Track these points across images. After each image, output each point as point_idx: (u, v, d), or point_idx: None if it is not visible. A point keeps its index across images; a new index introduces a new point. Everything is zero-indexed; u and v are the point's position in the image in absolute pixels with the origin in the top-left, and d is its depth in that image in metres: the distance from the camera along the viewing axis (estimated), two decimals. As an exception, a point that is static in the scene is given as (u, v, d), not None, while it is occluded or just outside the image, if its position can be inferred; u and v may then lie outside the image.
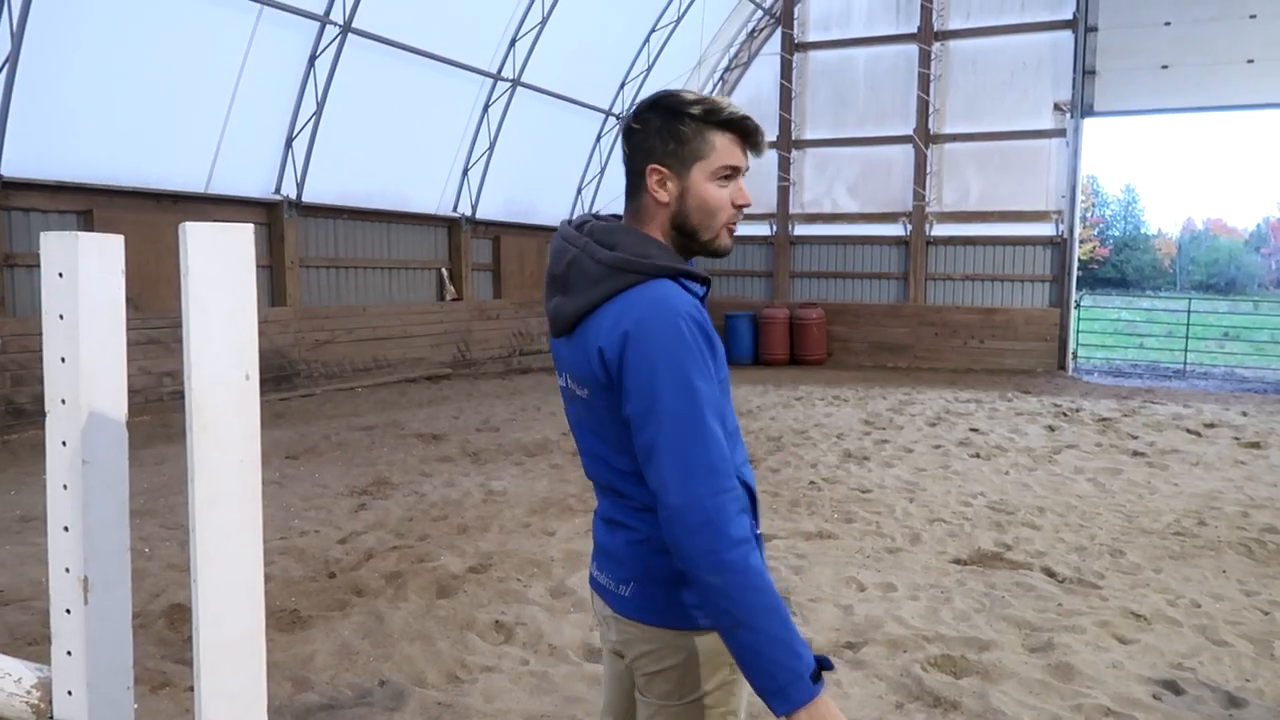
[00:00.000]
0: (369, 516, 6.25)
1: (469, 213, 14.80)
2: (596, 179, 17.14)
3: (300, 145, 11.88)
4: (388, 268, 13.81)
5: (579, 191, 17.03)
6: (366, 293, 13.40)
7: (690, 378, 1.59)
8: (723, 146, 1.73)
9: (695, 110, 1.71)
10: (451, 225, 14.70)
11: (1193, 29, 14.84)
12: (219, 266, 1.05)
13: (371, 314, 13.28)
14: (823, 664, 1.57)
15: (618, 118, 16.79)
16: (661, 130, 1.72)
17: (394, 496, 6.81)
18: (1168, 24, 15.03)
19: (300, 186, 12.06)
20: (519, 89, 14.55)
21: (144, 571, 5.01)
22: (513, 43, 14.09)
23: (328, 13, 11.40)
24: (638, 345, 1.61)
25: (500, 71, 14.19)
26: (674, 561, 1.62)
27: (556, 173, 16.57)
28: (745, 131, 1.75)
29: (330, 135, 12.11)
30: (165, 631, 4.30)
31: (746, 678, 1.58)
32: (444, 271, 14.65)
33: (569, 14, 14.30)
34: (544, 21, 14.09)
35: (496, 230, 15.48)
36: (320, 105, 11.79)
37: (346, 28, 11.64)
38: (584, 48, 15.09)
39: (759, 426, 9.92)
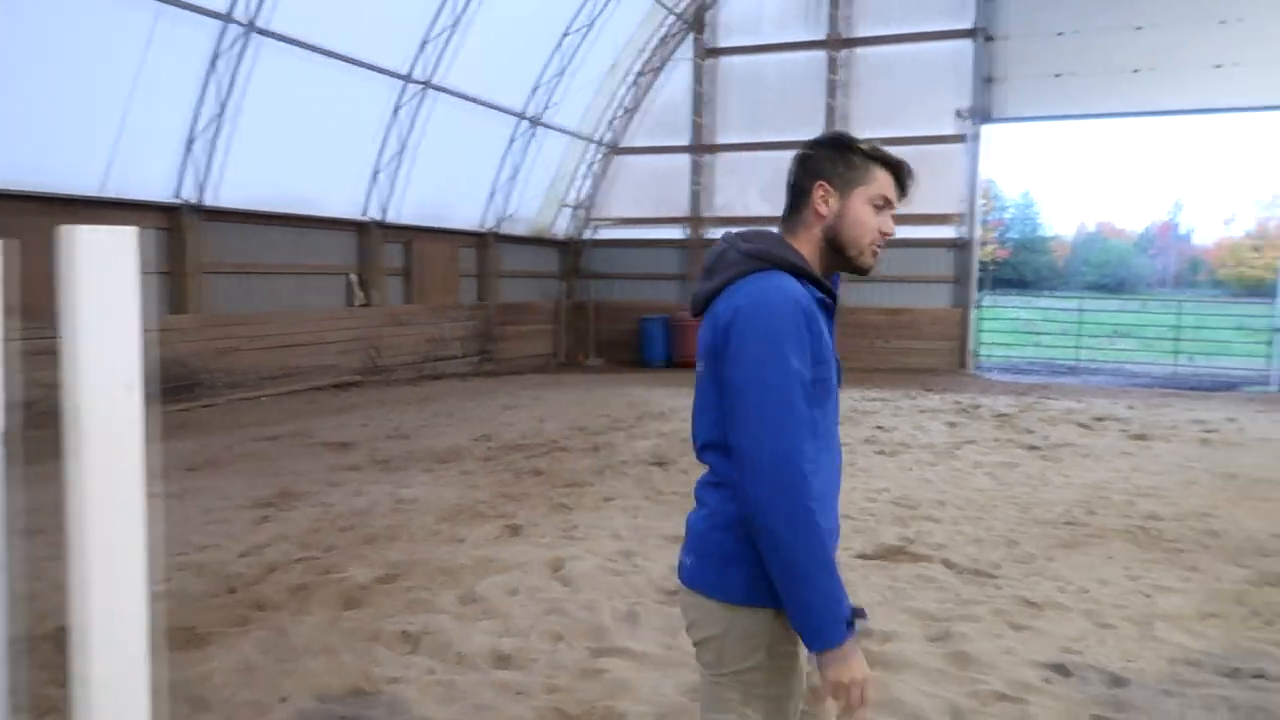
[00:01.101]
0: (272, 529, 6.10)
1: (380, 217, 14.56)
2: (510, 182, 17.05)
3: (203, 148, 11.53)
4: (296, 273, 13.49)
5: (493, 195, 16.92)
6: (274, 299, 13.06)
7: (784, 350, 1.82)
8: (882, 179, 2.01)
9: (865, 147, 2.02)
10: (362, 229, 14.44)
11: (1084, 40, 15.51)
12: (99, 272, 1.02)
13: (279, 320, 12.96)
14: (858, 613, 1.81)
15: (531, 120, 16.74)
16: (834, 157, 2.02)
17: (299, 507, 6.66)
18: (1060, 34, 15.68)
19: (203, 190, 11.70)
20: (431, 91, 14.38)
21: (32, 593, 4.80)
22: (424, 44, 13.92)
23: (230, 12, 11.09)
24: (746, 315, 1.85)
25: (411, 74, 14.01)
26: (734, 533, 1.87)
27: (471, 176, 16.43)
28: (902, 174, 2.04)
29: (236, 138, 11.79)
30: (53, 655, 4.13)
31: (790, 616, 1.81)
32: (354, 277, 14.38)
33: (482, 17, 14.21)
34: (455, 24, 13.97)
35: (409, 234, 15.27)
36: (223, 106, 11.47)
37: (251, 27, 11.34)
38: (497, 51, 15.01)
39: (672, 429, 10.00)
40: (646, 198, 18.70)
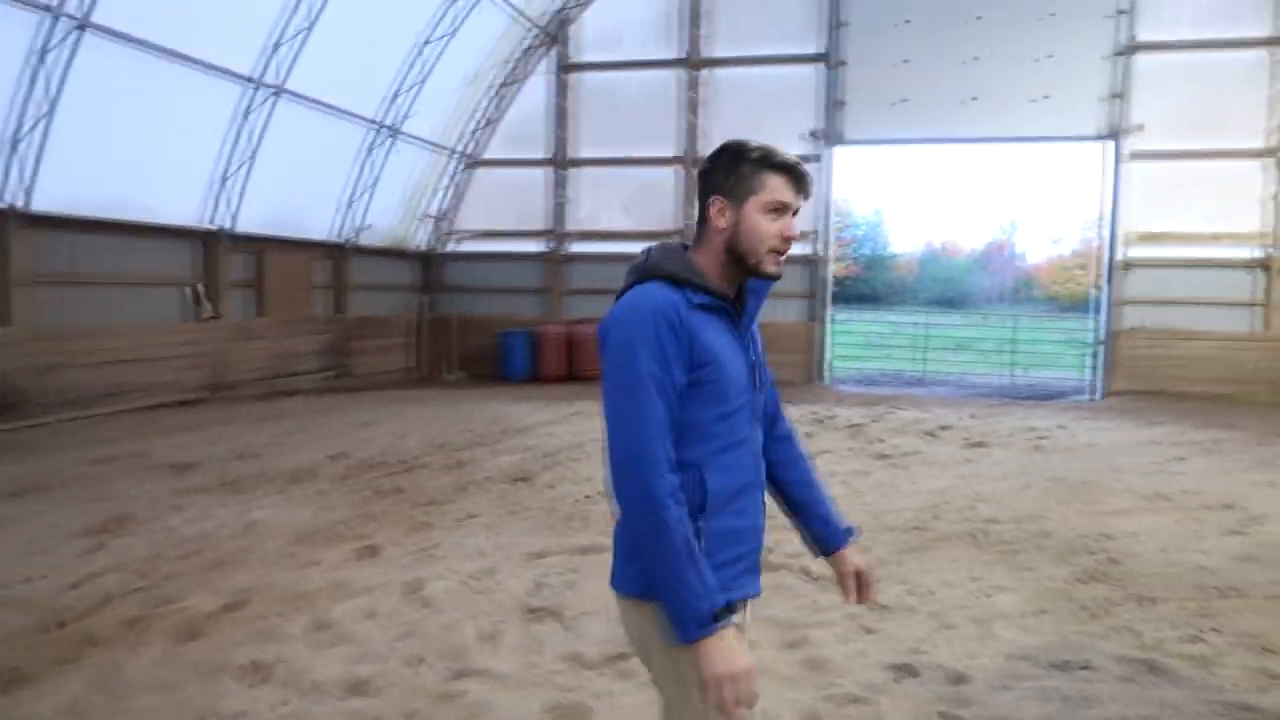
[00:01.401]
0: (106, 558, 5.71)
1: (227, 226, 13.89)
2: (369, 193, 16.59)
3: (29, 150, 10.72)
4: (133, 284, 12.69)
5: (349, 205, 16.43)
6: (108, 311, 12.23)
7: (637, 356, 1.90)
8: (774, 184, 2.03)
9: (754, 155, 2.03)
10: (207, 239, 13.74)
11: (926, 68, 16.38)
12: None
13: (113, 334, 12.16)
14: (728, 609, 1.88)
15: (389, 129, 16.36)
16: (725, 169, 2.05)
17: (137, 534, 6.26)
18: (906, 62, 16.51)
19: (28, 195, 10.87)
20: (282, 96, 13.85)
21: None
22: (275, 47, 13.41)
23: (61, 4, 10.38)
24: (608, 326, 1.97)
25: (261, 77, 13.46)
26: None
27: (325, 186, 15.89)
28: (796, 175, 2.05)
29: (66, 139, 11.01)
30: None
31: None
32: (198, 288, 13.66)
33: (337, 21, 13.79)
34: (309, 27, 13.51)
35: (259, 245, 14.63)
36: (52, 106, 10.71)
37: (84, 22, 10.65)
38: (353, 57, 14.60)
39: (535, 444, 9.93)
40: (507, 210, 18.58)
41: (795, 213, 2.09)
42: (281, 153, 14.17)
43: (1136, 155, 15.71)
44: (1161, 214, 15.66)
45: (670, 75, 17.60)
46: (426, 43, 16.03)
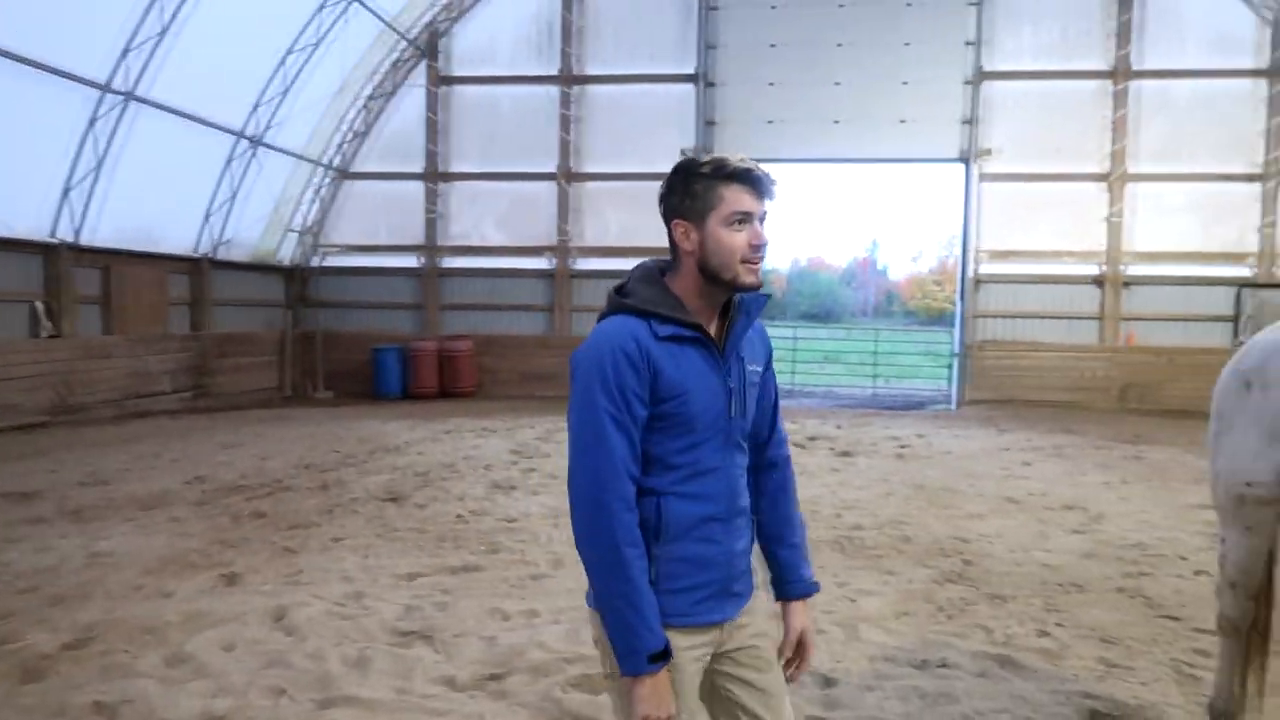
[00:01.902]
0: (-68, 596, 5.27)
1: (72, 239, 13.08)
2: (228, 205, 15.93)
3: None
4: (-36, 300, 11.80)
5: (208, 218, 15.73)
6: (-65, 330, 11.33)
7: (594, 394, 1.93)
8: (731, 196, 2.00)
9: (705, 169, 2.00)
10: (50, 252, 12.89)
11: (793, 91, 16.92)
12: None
13: (-58, 355, 11.25)
14: (666, 653, 1.92)
15: (252, 140, 15.77)
16: (680, 190, 2.03)
17: (-32, 569, 5.80)
18: (773, 84, 17.01)
19: None
20: (135, 104, 13.16)
21: None
22: (125, 52, 12.74)
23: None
24: (576, 362, 1.99)
25: (110, 83, 12.76)
26: None
27: (183, 198, 15.15)
28: (752, 180, 2.01)
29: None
30: None
31: None
32: (39, 305, 12.80)
33: (195, 26, 13.21)
34: (164, 31, 12.89)
35: (107, 259, 13.82)
36: None
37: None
38: (212, 64, 13.99)
39: (406, 462, 9.71)
40: (379, 224, 18.17)
41: (763, 217, 2.05)
42: (136, 163, 13.46)
43: (988, 177, 16.61)
44: (1012, 232, 16.61)
45: (545, 91, 17.61)
46: (291, 51, 15.54)
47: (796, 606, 2.30)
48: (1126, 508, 7.92)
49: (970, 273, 16.76)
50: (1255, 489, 3.30)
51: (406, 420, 13.23)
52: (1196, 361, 15.30)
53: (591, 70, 17.55)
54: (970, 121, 16.59)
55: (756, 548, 2.32)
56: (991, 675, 4.34)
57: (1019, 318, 16.53)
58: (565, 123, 17.54)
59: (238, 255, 16.61)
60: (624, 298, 2.05)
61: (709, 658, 2.15)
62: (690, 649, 2.08)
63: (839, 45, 16.71)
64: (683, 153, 17.25)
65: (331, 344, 17.71)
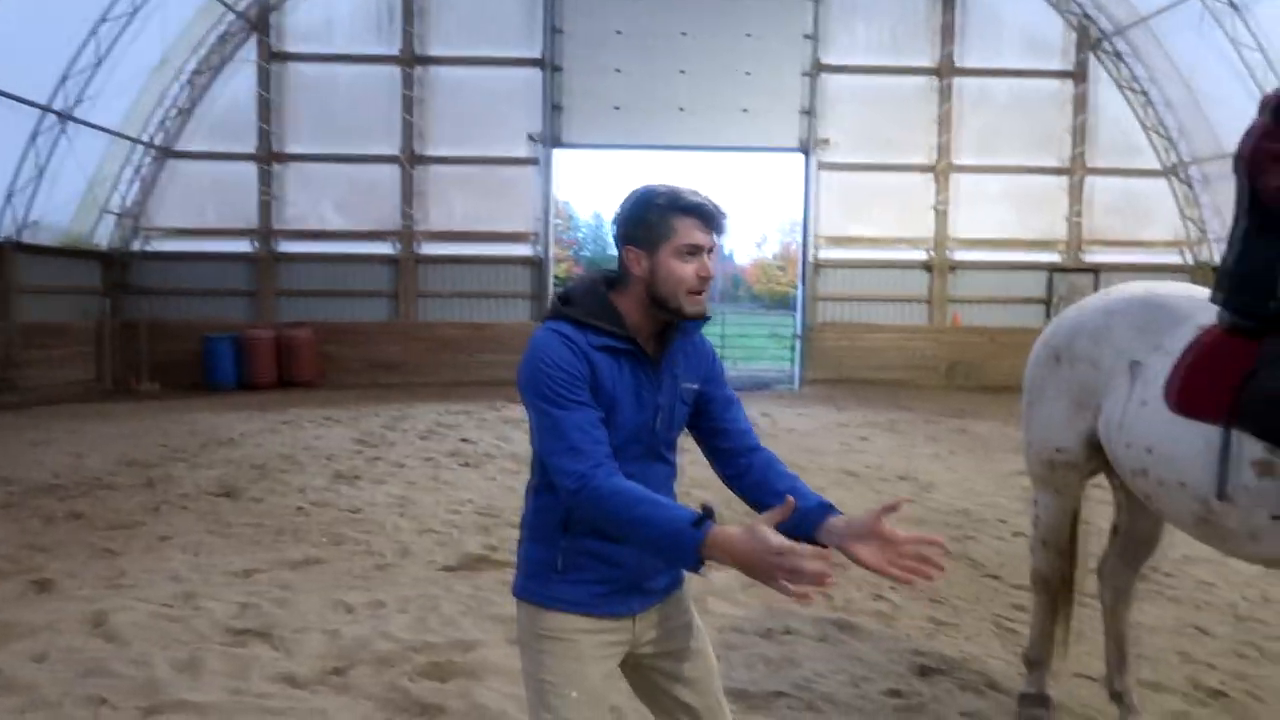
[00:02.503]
0: None
1: None
2: (33, 184, 14.64)
3: None
4: None
5: (10, 199, 14.42)
6: None
7: (537, 392, 2.01)
8: (684, 228, 2.05)
9: (661, 200, 2.06)
10: None
11: (638, 78, 17.03)
12: None
13: None
14: (706, 512, 1.83)
15: (60, 115, 14.55)
16: (635, 218, 2.08)
17: None
18: (619, 71, 17.07)
19: None
20: (-83, 70, 11.92)
21: None
22: (-96, 13, 11.51)
23: None
24: (520, 372, 2.06)
25: (-113, 46, 11.51)
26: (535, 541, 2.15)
27: (-22, 174, 13.85)
28: (704, 215, 2.06)
29: None
30: None
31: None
32: None
33: (-13, -12, 12.06)
34: (-50, -8, 11.72)
35: (-109, 242, 12.49)
36: None
37: None
38: (15, 33, 12.80)
39: (241, 455, 9.25)
40: (208, 207, 17.12)
41: (711, 250, 2.10)
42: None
43: (826, 166, 17.25)
44: (848, 220, 17.33)
45: (386, 71, 17.05)
46: (103, 20, 14.42)
47: (835, 523, 2.02)
48: (953, 477, 8.43)
49: (810, 258, 17.38)
50: (1064, 455, 3.56)
51: (242, 412, 12.59)
52: (1015, 341, 16.34)
53: (435, 51, 17.12)
54: (809, 112, 17.17)
55: None
56: (831, 639, 4.53)
57: (856, 301, 17.28)
58: (408, 104, 17.04)
59: (46, 239, 15.31)
60: (565, 305, 2.11)
61: (624, 651, 2.20)
62: (591, 633, 2.13)
63: (683, 34, 16.94)
64: (530, 138, 17.11)
65: (158, 334, 16.60)
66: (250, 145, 17.00)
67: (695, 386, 2.24)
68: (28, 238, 14.83)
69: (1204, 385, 2.94)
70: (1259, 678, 4.12)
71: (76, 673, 4.04)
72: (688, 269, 2.06)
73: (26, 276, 14.90)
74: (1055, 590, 3.82)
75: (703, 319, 2.13)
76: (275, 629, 4.59)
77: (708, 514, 1.82)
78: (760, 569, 1.75)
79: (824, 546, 1.98)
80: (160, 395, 15.32)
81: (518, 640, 2.22)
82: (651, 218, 2.06)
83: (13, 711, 3.68)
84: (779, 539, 1.73)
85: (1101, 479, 3.71)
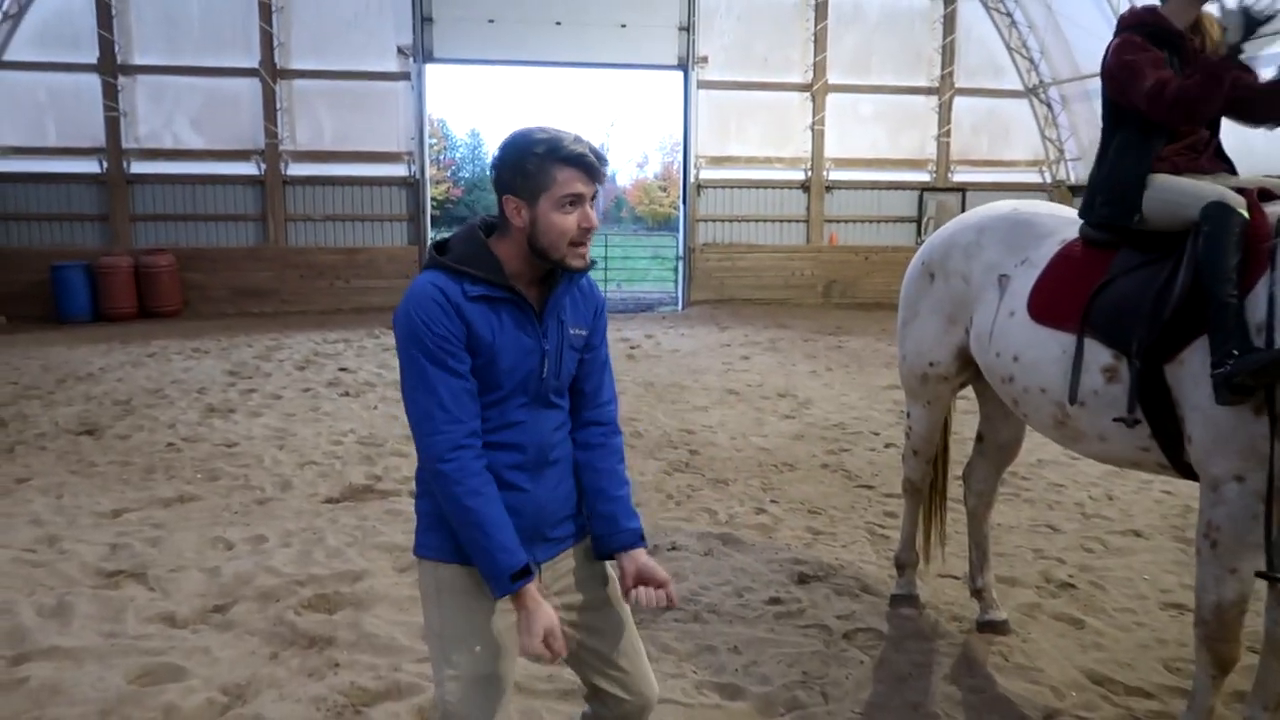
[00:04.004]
0: None
1: None
2: None
3: None
4: None
5: None
6: None
7: (410, 348, 2.01)
8: (564, 178, 2.00)
9: (540, 149, 1.99)
10: None
11: (512, -11, 16.42)
12: None
13: None
14: (527, 570, 2.00)
15: None
16: (514, 166, 2.02)
17: None
18: (492, -19, 16.40)
19: None
20: None
21: None
22: None
23: None
24: (395, 321, 2.05)
25: None
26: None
27: None
28: (585, 165, 2.02)
29: None
30: None
31: None
32: None
33: None
34: None
35: None
36: None
37: None
38: None
39: (102, 390, 8.77)
40: (46, 124, 15.73)
41: (593, 198, 2.06)
42: None
43: (704, 85, 17.15)
44: (727, 139, 17.34)
45: (239, -23, 15.90)
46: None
47: (626, 557, 2.22)
48: (829, 393, 8.74)
49: (692, 179, 17.40)
50: (936, 368, 3.73)
51: (101, 345, 11.90)
52: (887, 259, 16.94)
53: (291, -44, 16.06)
54: (687, 29, 16.96)
55: None
56: (716, 553, 4.68)
57: (736, 221, 17.45)
58: (265, 12, 15.97)
59: None
60: (441, 254, 2.09)
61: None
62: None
63: (558, -57, 16.38)
64: (400, 51, 16.38)
65: (-1, 263, 15.41)
66: (91, 56, 15.68)
67: (584, 333, 2.22)
68: None
69: (1061, 296, 3.12)
70: (1103, 569, 4.49)
71: (-68, 625, 3.83)
72: (569, 220, 2.02)
73: None
74: (925, 497, 4.05)
75: (586, 270, 2.12)
76: (150, 569, 4.45)
77: (527, 573, 2.01)
78: (529, 632, 2.00)
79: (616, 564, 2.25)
80: (6, 329, 14.30)
81: (421, 597, 2.21)
82: (530, 167, 2.00)
83: None
84: (542, 631, 2.00)
85: (968, 390, 3.92)
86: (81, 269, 14.96)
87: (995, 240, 3.48)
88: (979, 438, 4.03)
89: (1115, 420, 2.93)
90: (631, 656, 2.28)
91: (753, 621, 3.94)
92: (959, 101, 17.71)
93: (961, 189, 17.52)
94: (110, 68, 15.65)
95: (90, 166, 15.79)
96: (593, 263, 2.14)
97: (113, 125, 15.75)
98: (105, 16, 15.54)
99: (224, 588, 4.25)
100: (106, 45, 15.61)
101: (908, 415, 3.99)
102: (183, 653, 3.64)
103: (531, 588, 2.01)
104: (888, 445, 6.75)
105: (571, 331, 2.17)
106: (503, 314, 2.05)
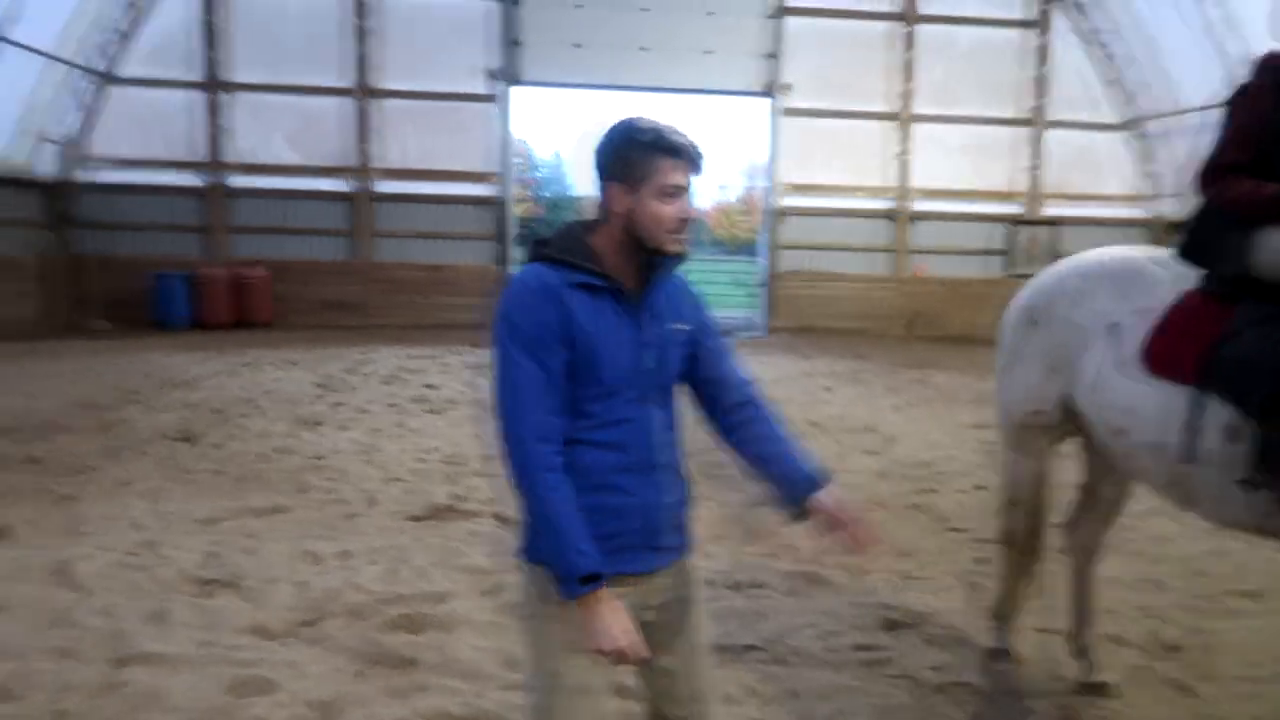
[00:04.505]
0: None
1: None
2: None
3: None
4: None
5: (-56, 124, 13.76)
6: None
7: (505, 337, 2.02)
8: (667, 168, 2.03)
9: (645, 138, 2.03)
10: None
11: (599, 14, 16.64)
12: None
13: None
14: (595, 576, 1.96)
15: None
16: (617, 155, 2.06)
17: None
18: (580, 6, 16.66)
19: None
20: None
21: None
22: None
23: None
24: (496, 311, 2.06)
25: None
26: None
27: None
28: (687, 156, 2.05)
29: None
30: None
31: None
32: None
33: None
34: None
35: None
36: None
37: None
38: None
39: (200, 398, 9.07)
40: (155, 137, 16.47)
41: (688, 189, 2.09)
42: None
43: (789, 112, 17.11)
44: (811, 167, 17.26)
45: (335, 0, 16.43)
46: (39, -65, 13.65)
47: (818, 499, 2.24)
48: (915, 429, 8.55)
49: (774, 205, 17.32)
50: (1038, 417, 3.60)
51: (198, 352, 12.32)
52: (974, 292, 16.61)
53: (387, -21, 16.53)
54: (772, 56, 16.96)
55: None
56: (800, 593, 4.59)
57: (819, 249, 17.30)
58: (360, 34, 16.49)
59: (-19, 167, 14.65)
60: (542, 247, 2.11)
61: (636, 611, 2.15)
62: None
63: (646, -30, 16.56)
64: (488, 73, 16.70)
65: (105, 269, 16.11)
66: (196, 73, 16.35)
67: (687, 328, 2.22)
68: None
69: (1178, 348, 2.99)
70: (1214, 632, 4.27)
71: (41, 624, 3.98)
72: (669, 209, 2.05)
73: (-41, 208, 14.26)
74: (1023, 549, 3.90)
75: (682, 257, 2.14)
76: (243, 579, 4.54)
77: (596, 579, 1.98)
78: (607, 633, 1.98)
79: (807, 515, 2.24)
80: (111, 335, 14.91)
81: (521, 604, 2.19)
82: (634, 155, 2.04)
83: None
84: (621, 632, 1.98)
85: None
86: (182, 278, 15.54)
87: (1105, 287, 3.35)
88: (1084, 489, 3.88)
89: (1236, 483, 2.79)
90: (695, 681, 2.28)
91: (839, 668, 3.84)
92: (1051, 134, 17.33)
93: (1053, 223, 17.11)
94: (213, 85, 16.29)
95: (192, 179, 16.42)
96: (688, 249, 2.15)
97: (214, 140, 16.38)
98: (211, 36, 16.19)
99: (313, 602, 4.31)
100: (212, 64, 16.25)
101: (1005, 464, 3.86)
102: (273, 665, 3.70)
103: (604, 591, 1.99)
104: (977, 487, 6.55)
105: (670, 326, 2.17)
106: (603, 303, 2.07)
